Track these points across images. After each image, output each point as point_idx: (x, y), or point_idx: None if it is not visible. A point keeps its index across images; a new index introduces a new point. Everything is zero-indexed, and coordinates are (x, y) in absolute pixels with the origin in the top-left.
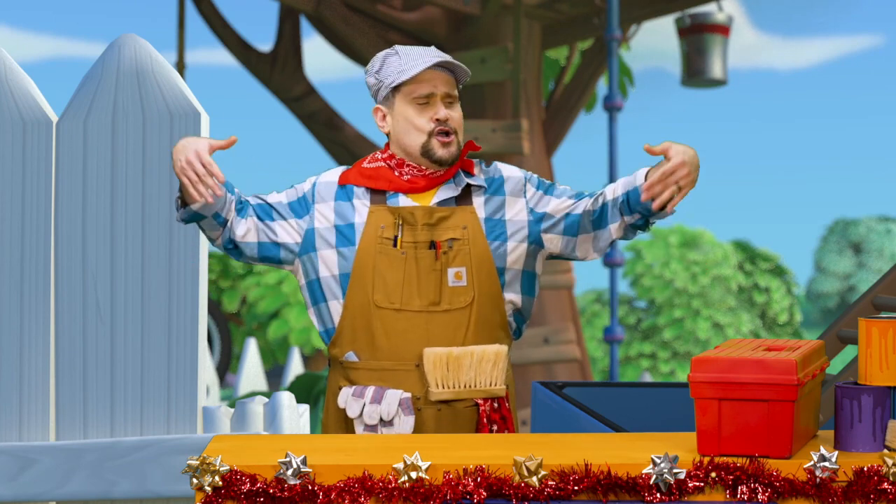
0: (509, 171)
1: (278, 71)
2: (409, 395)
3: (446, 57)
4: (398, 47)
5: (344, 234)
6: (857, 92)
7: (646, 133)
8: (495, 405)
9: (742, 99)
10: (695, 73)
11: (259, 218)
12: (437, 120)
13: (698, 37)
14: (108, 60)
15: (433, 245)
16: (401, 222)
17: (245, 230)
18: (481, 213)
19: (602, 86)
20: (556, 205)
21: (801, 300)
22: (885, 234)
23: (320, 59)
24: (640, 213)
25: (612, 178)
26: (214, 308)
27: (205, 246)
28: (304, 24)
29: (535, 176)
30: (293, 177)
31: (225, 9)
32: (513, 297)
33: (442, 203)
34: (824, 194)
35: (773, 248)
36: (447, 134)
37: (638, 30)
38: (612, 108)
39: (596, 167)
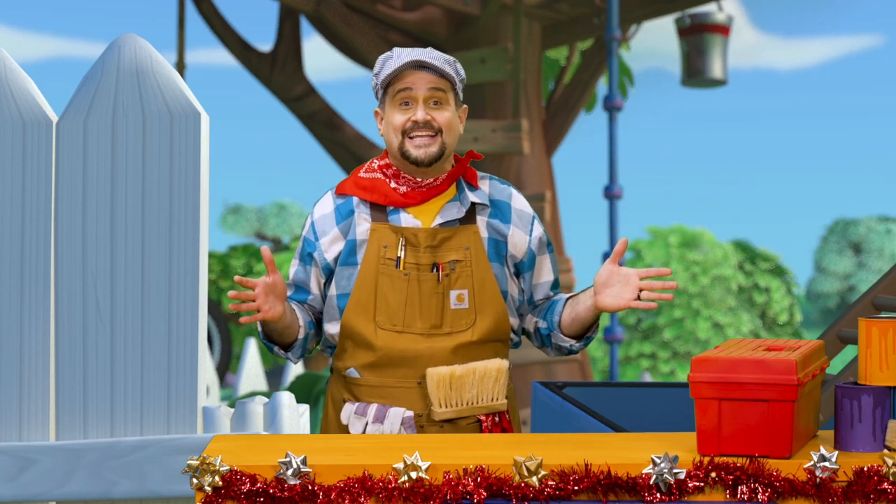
0: (520, 204)
1: (278, 71)
2: (411, 413)
3: (426, 56)
4: (396, 49)
5: (346, 252)
6: (857, 92)
7: (646, 133)
8: (496, 419)
9: (742, 99)
10: (695, 73)
11: (306, 307)
12: (415, 122)
13: (698, 37)
14: (108, 60)
15: (435, 267)
16: (403, 243)
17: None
18: (484, 232)
19: (602, 86)
20: (537, 277)
21: (801, 300)
22: (885, 234)
23: (320, 59)
24: (547, 321)
25: (611, 178)
26: (214, 308)
27: (205, 246)
28: (304, 24)
29: (544, 229)
30: (292, 177)
31: (225, 9)
32: (512, 320)
33: (445, 224)
34: (824, 194)
35: (773, 248)
36: (424, 135)
37: (638, 30)
38: (612, 108)
39: (596, 167)
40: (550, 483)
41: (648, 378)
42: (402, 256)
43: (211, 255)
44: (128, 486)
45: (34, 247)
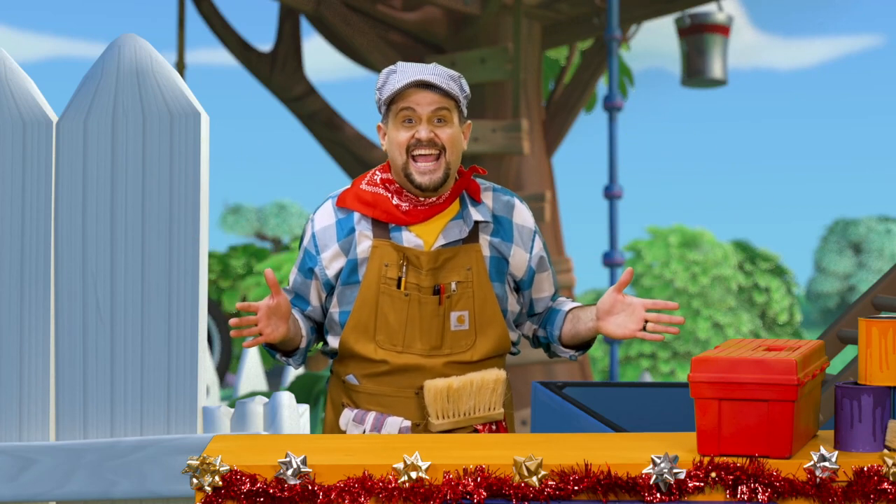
0: (522, 219)
1: (278, 71)
2: (408, 423)
3: (430, 74)
4: (399, 64)
5: (347, 271)
6: (857, 92)
7: (646, 133)
8: (493, 428)
9: (742, 99)
10: (695, 73)
11: (306, 317)
12: (418, 140)
13: (698, 37)
14: (108, 60)
15: (437, 290)
16: (405, 263)
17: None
18: (486, 251)
19: (602, 86)
20: (537, 292)
21: (801, 300)
22: (885, 234)
23: (320, 59)
24: (546, 332)
25: (611, 178)
26: (214, 308)
27: (205, 246)
28: (304, 24)
29: (543, 242)
30: (292, 177)
31: (225, 9)
32: (512, 335)
33: (448, 244)
34: (824, 194)
35: (773, 248)
36: (428, 157)
37: (638, 30)
38: (612, 108)
39: (596, 167)
40: (550, 483)
41: (648, 378)
42: (404, 277)
43: (211, 255)
44: (128, 486)
45: (34, 247)
